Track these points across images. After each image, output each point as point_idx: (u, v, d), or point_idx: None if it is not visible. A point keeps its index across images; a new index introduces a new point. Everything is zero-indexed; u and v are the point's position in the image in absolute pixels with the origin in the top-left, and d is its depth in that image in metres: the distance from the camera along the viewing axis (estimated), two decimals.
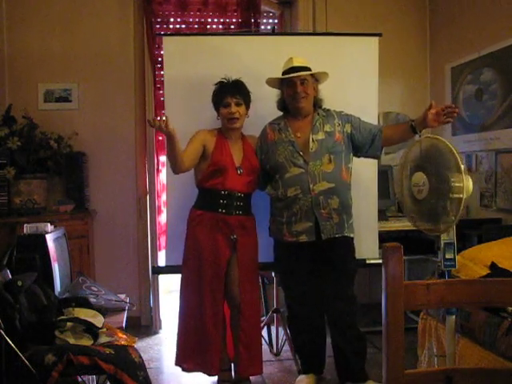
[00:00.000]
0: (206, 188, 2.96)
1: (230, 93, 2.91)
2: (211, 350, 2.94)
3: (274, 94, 3.06)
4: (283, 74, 2.94)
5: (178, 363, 3.04)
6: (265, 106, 3.09)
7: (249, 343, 3.00)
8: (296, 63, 2.90)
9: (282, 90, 3.00)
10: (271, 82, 3.00)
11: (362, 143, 2.98)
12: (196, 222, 2.96)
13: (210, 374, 3.00)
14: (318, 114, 2.98)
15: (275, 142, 2.96)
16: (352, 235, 2.98)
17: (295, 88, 2.88)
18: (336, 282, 2.94)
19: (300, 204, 2.85)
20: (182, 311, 3.03)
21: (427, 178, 2.35)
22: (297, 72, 2.88)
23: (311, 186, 2.84)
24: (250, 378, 3.08)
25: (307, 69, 2.92)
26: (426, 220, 2.38)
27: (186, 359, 3.01)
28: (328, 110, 3.03)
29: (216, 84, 2.98)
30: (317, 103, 3.01)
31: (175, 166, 2.85)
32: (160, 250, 4.36)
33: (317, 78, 2.98)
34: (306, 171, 2.85)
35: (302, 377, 3.10)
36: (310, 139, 2.89)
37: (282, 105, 3.02)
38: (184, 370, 3.04)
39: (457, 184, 2.26)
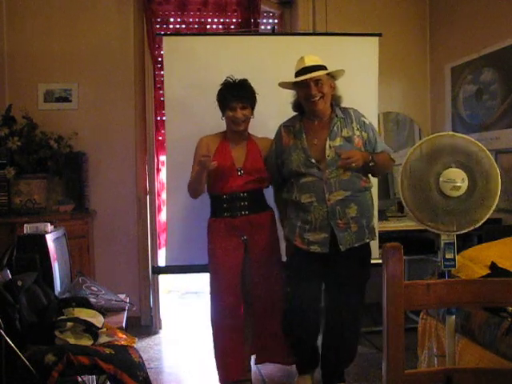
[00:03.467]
0: (211, 194, 2.97)
1: (237, 97, 2.86)
2: (227, 354, 2.90)
3: (274, 93, 3.06)
4: (296, 75, 2.78)
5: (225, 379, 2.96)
6: (265, 106, 3.08)
7: (263, 332, 2.94)
8: (308, 63, 2.73)
9: (296, 91, 2.85)
10: (285, 86, 2.86)
11: None
12: (210, 230, 2.96)
13: (226, 379, 2.95)
14: (337, 115, 2.80)
15: (289, 147, 2.83)
16: (374, 238, 2.87)
17: (309, 90, 2.71)
18: (346, 290, 2.80)
19: (315, 213, 2.71)
20: (211, 320, 2.99)
21: (468, 175, 2.35)
22: (309, 72, 2.70)
23: (327, 195, 2.69)
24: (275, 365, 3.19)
25: (321, 67, 2.74)
26: (445, 218, 2.37)
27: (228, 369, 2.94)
28: (346, 109, 2.86)
29: (221, 84, 2.93)
30: (335, 101, 2.85)
31: (197, 194, 2.93)
32: (160, 248, 4.37)
33: (333, 75, 2.81)
34: (321, 179, 2.70)
35: (299, 378, 3.04)
36: (327, 145, 2.73)
37: (298, 106, 2.87)
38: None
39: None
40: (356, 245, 2.73)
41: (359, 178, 2.77)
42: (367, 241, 2.80)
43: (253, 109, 2.93)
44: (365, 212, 2.77)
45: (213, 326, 2.96)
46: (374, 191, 3.46)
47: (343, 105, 2.91)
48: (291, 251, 2.89)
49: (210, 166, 2.70)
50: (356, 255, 2.76)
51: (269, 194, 3.06)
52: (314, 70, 2.71)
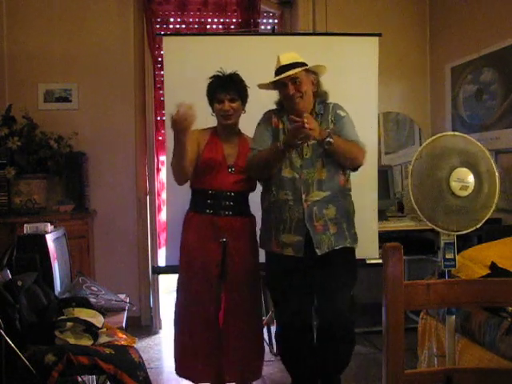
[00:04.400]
0: (195, 188, 2.80)
1: (224, 88, 2.72)
2: (197, 356, 2.70)
3: (274, 93, 3.05)
4: (274, 75, 2.66)
5: (178, 371, 2.82)
6: (265, 107, 3.08)
7: (234, 348, 2.69)
8: (284, 61, 2.59)
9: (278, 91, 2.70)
10: (264, 87, 2.73)
11: None
12: (187, 225, 2.79)
13: (194, 382, 2.79)
14: (316, 112, 2.64)
15: (279, 130, 2.63)
16: (355, 246, 2.61)
17: (287, 90, 2.57)
18: (330, 297, 2.52)
19: (290, 213, 2.52)
20: (175, 316, 2.83)
21: (475, 175, 2.36)
22: (286, 71, 2.56)
23: (304, 195, 2.51)
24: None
25: (297, 65, 2.57)
26: (452, 217, 2.38)
27: (182, 366, 2.79)
28: (327, 104, 2.68)
29: (211, 78, 2.81)
30: (320, 98, 2.68)
31: (182, 174, 2.69)
32: (160, 248, 4.37)
33: (314, 71, 2.65)
34: (299, 177, 2.53)
35: None
36: (305, 144, 2.53)
37: (281, 105, 2.72)
38: (181, 376, 2.84)
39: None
40: (336, 247, 2.51)
41: (338, 177, 2.58)
42: (348, 245, 2.56)
43: (243, 103, 2.79)
44: (345, 216, 2.58)
45: (178, 325, 2.78)
46: (374, 191, 3.47)
47: (343, 103, 2.75)
48: (268, 259, 2.68)
49: (188, 119, 2.43)
50: (338, 259, 2.53)
51: (253, 199, 2.88)
52: (291, 69, 2.55)
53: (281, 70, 2.58)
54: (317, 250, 2.50)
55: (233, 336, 2.69)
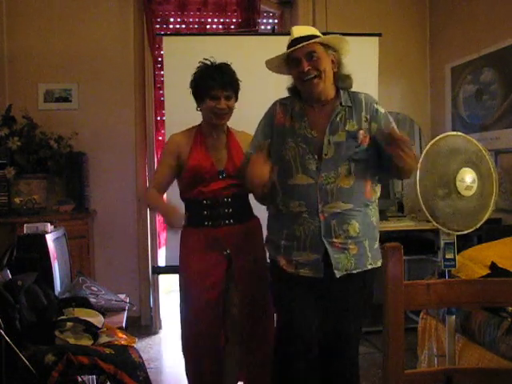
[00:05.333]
0: (187, 199, 2.49)
1: (221, 85, 2.38)
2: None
3: (274, 94, 3.04)
4: (287, 47, 2.16)
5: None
6: (266, 107, 3.08)
7: (251, 362, 2.47)
8: (297, 33, 2.10)
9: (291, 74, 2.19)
10: (274, 67, 2.23)
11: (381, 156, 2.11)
12: (185, 243, 2.48)
13: None
14: (342, 103, 2.11)
15: (285, 129, 2.14)
16: (378, 263, 2.13)
17: (300, 66, 2.05)
18: (342, 324, 2.14)
19: (305, 226, 2.06)
20: (183, 349, 2.53)
21: (477, 176, 2.36)
22: (299, 44, 2.06)
23: (320, 205, 2.04)
24: None
25: (315, 38, 2.07)
26: (456, 217, 2.38)
27: None
28: (355, 94, 2.17)
29: (197, 67, 2.47)
30: (341, 83, 2.16)
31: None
32: (160, 247, 4.37)
33: (334, 48, 2.13)
34: (315, 183, 2.05)
35: None
36: (325, 141, 2.06)
37: (295, 91, 2.21)
38: None
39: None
40: (354, 271, 2.08)
41: (365, 187, 2.11)
42: (369, 267, 2.11)
43: (237, 99, 2.48)
44: (368, 231, 2.12)
45: (185, 355, 2.51)
46: None
47: None
48: (276, 275, 2.22)
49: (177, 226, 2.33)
50: (355, 283, 2.11)
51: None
52: (305, 41, 2.06)
53: (294, 43, 2.09)
54: (335, 272, 2.05)
55: (248, 363, 2.48)
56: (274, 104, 2.24)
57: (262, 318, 2.47)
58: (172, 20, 4.43)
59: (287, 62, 2.14)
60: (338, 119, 2.09)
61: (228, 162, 2.44)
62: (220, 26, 4.44)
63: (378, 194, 2.21)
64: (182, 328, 2.50)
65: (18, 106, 4.00)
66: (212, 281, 2.40)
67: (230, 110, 2.45)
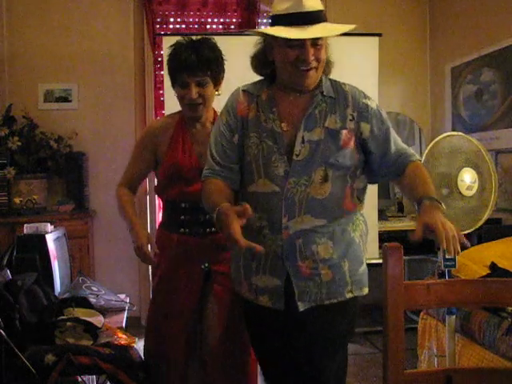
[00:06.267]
0: (164, 200, 2.14)
1: (189, 68, 1.91)
2: None
3: None
4: (283, 19, 1.68)
5: None
6: None
7: None
8: (310, 6, 1.65)
9: (268, 44, 1.71)
10: (258, 33, 1.83)
11: (375, 164, 1.73)
12: (158, 248, 2.12)
13: None
14: (323, 93, 1.68)
15: (248, 121, 1.70)
16: (364, 291, 1.71)
17: (305, 54, 1.59)
18: (318, 359, 1.67)
19: (265, 245, 1.59)
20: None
21: (477, 176, 2.37)
22: (310, 23, 1.62)
23: (284, 220, 1.61)
24: None
25: (322, 17, 1.68)
26: (457, 216, 2.39)
27: None
28: (340, 86, 1.73)
29: (172, 45, 2.01)
30: (324, 69, 1.72)
31: None
32: None
33: None
34: (280, 191, 1.62)
35: None
36: (299, 137, 1.64)
37: (264, 66, 1.74)
38: None
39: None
40: (326, 302, 1.62)
41: (342, 198, 1.66)
42: (348, 296, 1.65)
43: (217, 83, 2.00)
44: (349, 252, 1.66)
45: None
46: (374, 191, 3.46)
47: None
48: (243, 308, 1.82)
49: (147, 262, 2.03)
50: (328, 318, 1.65)
51: None
52: (316, 21, 1.64)
53: (299, 19, 1.62)
54: (298, 304, 1.62)
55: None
56: (236, 92, 1.77)
57: (242, 348, 1.99)
58: (172, 20, 4.43)
59: (274, 39, 1.65)
60: (316, 112, 1.66)
61: None
62: (220, 26, 4.44)
63: (363, 203, 1.76)
64: (145, 339, 2.11)
65: (18, 106, 4.01)
66: (185, 299, 1.99)
67: (206, 99, 1.96)
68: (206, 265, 2.01)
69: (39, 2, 4.24)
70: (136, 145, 2.20)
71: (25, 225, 2.70)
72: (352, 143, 1.68)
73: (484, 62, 4.01)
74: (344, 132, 1.67)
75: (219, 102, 1.95)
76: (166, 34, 3.75)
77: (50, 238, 2.62)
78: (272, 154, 1.65)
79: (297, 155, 1.64)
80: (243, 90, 1.77)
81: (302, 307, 1.63)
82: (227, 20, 4.44)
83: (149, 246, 2.04)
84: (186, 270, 2.01)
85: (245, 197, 1.69)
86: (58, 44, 4.25)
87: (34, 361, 1.82)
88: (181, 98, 1.99)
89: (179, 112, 2.09)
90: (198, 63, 1.91)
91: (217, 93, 2.03)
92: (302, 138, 1.64)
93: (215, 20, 4.44)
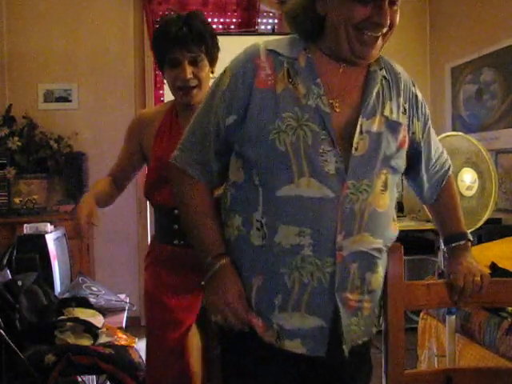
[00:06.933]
0: (153, 205, 1.83)
1: (181, 43, 1.62)
2: None
3: None
4: None
5: None
6: None
7: None
8: None
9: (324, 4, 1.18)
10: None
11: (422, 177, 1.40)
12: (150, 260, 1.84)
13: None
14: (382, 69, 1.27)
15: (276, 95, 1.18)
16: (378, 326, 1.35)
17: (381, 14, 1.14)
18: None
19: (304, 272, 1.18)
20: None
21: (477, 176, 2.37)
22: None
23: (339, 237, 1.17)
24: None
25: None
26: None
27: None
28: (391, 63, 1.32)
29: (157, 22, 1.83)
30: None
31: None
32: None
33: None
34: (336, 197, 1.16)
35: None
36: (358, 127, 1.19)
37: (308, 22, 1.21)
38: None
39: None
40: (360, 341, 1.28)
41: (393, 215, 1.30)
42: (374, 331, 1.33)
43: (212, 62, 1.73)
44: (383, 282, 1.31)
45: None
46: None
47: None
48: (235, 341, 1.26)
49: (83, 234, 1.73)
50: (360, 361, 1.34)
51: None
52: None
53: None
54: (344, 347, 1.23)
55: None
56: (254, 50, 1.22)
57: None
58: None
59: None
60: (374, 95, 1.22)
61: None
62: (220, 26, 4.44)
63: None
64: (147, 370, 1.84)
65: (18, 106, 4.01)
66: (181, 321, 1.70)
67: (201, 81, 1.67)
68: (204, 282, 1.54)
69: (39, 2, 4.24)
70: (124, 137, 1.94)
71: (25, 225, 2.70)
72: (407, 144, 1.28)
73: (484, 62, 4.01)
74: (401, 128, 1.26)
75: None
76: None
77: (49, 238, 2.62)
78: (319, 144, 1.15)
79: (355, 148, 1.17)
80: (269, 50, 1.20)
81: (347, 349, 1.23)
82: (227, 20, 4.44)
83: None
84: (182, 287, 1.70)
85: (271, 203, 1.17)
86: (58, 44, 4.25)
87: (33, 361, 1.82)
88: (172, 81, 1.68)
89: (168, 103, 1.85)
90: (190, 36, 1.63)
91: (212, 75, 1.71)
92: (361, 127, 1.19)
93: (215, 20, 4.44)
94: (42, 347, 1.91)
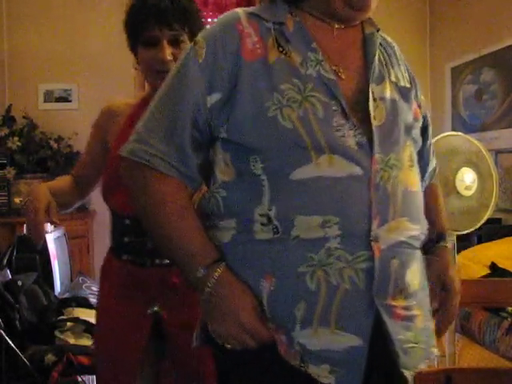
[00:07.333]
0: (110, 209, 1.57)
1: (161, 17, 1.36)
2: None
3: None
4: None
5: None
6: None
7: None
8: None
9: None
10: None
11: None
12: (103, 275, 1.64)
13: None
14: (379, 31, 1.12)
15: (268, 66, 0.95)
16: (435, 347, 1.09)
17: None
18: None
19: (331, 271, 0.90)
20: None
21: (477, 175, 2.37)
22: None
23: (375, 224, 0.92)
24: None
25: None
26: (455, 217, 2.39)
27: None
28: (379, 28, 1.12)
29: None
30: None
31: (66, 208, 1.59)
32: None
33: None
34: (364, 176, 0.93)
35: None
36: (370, 91, 0.99)
37: None
38: None
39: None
40: (422, 365, 1.01)
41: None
42: (436, 354, 1.06)
43: None
44: (425, 282, 1.05)
45: None
46: None
47: None
48: (242, 362, 0.95)
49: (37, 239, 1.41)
50: None
51: None
52: None
53: None
54: (405, 372, 0.96)
55: None
56: (234, 16, 1.02)
57: None
58: None
59: None
60: (376, 59, 1.04)
61: None
62: None
63: None
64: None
65: (18, 105, 4.00)
66: (126, 353, 1.41)
67: None
68: (155, 309, 1.40)
69: (39, 2, 4.24)
70: (90, 132, 1.64)
71: (25, 225, 2.70)
72: (420, 116, 1.12)
73: (484, 62, 4.01)
74: (413, 95, 1.11)
75: None
76: None
77: (49, 238, 2.62)
78: (331, 116, 0.94)
79: (374, 116, 0.97)
80: (250, 14, 1.01)
81: (410, 375, 0.97)
82: None
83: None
84: (130, 312, 1.42)
85: (280, 193, 0.92)
86: (57, 44, 4.25)
87: (34, 361, 1.82)
88: (147, 63, 1.41)
89: (146, 93, 1.56)
90: (172, 11, 1.36)
91: None
92: (372, 92, 0.99)
93: (215, 20, 4.44)
94: (41, 347, 1.91)
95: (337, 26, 1.02)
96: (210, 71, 0.96)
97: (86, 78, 4.28)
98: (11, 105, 4.00)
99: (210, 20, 4.43)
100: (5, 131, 3.83)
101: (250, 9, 1.03)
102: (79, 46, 4.26)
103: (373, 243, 0.91)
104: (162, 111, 0.98)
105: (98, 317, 1.55)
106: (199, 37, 1.01)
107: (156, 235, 0.99)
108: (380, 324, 0.92)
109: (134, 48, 1.47)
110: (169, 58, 1.36)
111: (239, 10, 1.03)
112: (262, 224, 0.92)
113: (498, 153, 3.84)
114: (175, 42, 1.38)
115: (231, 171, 0.96)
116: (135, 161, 0.96)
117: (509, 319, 2.25)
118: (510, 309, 2.27)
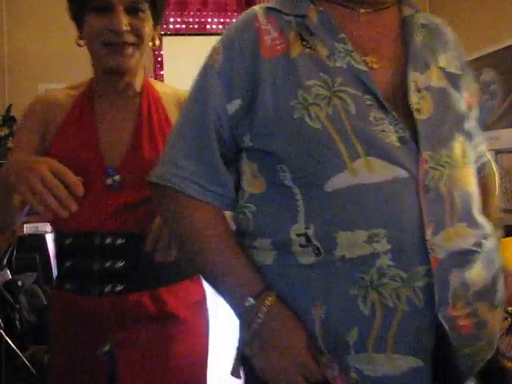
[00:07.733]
0: (54, 230, 1.27)
1: None
2: None
3: None
4: None
5: None
6: None
7: None
8: None
9: None
10: None
11: None
12: (52, 310, 1.28)
13: None
14: (418, 10, 0.99)
15: (291, 61, 0.87)
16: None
17: None
18: None
19: (388, 291, 0.79)
20: None
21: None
22: None
23: (429, 232, 0.80)
24: None
25: None
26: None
27: None
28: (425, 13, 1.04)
29: None
30: None
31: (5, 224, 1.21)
32: None
33: None
34: (411, 178, 0.81)
35: None
36: (410, 83, 0.87)
37: None
38: None
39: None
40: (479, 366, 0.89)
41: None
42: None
43: (157, 19, 1.27)
44: (498, 277, 0.89)
45: None
46: None
47: None
48: None
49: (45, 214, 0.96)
50: None
51: None
52: None
53: None
54: None
55: None
56: (251, 14, 1.03)
57: None
58: (172, 20, 4.42)
59: None
60: (419, 44, 0.93)
61: (132, 151, 1.16)
62: (220, 26, 4.44)
63: None
64: None
65: (18, 106, 4.00)
66: None
67: (142, 38, 1.18)
68: (107, 348, 1.12)
69: (39, 2, 4.24)
70: (17, 127, 1.36)
71: (25, 225, 2.70)
72: (475, 104, 1.01)
73: (484, 62, 4.01)
74: (466, 82, 0.99)
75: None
76: (165, 34, 3.75)
77: (49, 238, 2.62)
78: (366, 112, 0.83)
79: (418, 110, 0.85)
80: (268, 9, 0.97)
81: None
82: (227, 20, 4.44)
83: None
84: (80, 353, 1.16)
85: (316, 208, 0.82)
86: (58, 44, 4.25)
87: (34, 361, 1.82)
88: (96, 34, 1.21)
89: (81, 83, 1.37)
90: None
91: (151, 43, 1.23)
92: (413, 81, 0.88)
93: (215, 20, 4.44)
94: (42, 347, 1.91)
95: (363, 11, 0.91)
96: (228, 77, 0.90)
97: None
98: (11, 105, 4.00)
99: (210, 20, 4.43)
100: (5, 131, 3.83)
101: (269, 4, 0.97)
102: (79, 46, 4.26)
103: (431, 254, 0.79)
104: (186, 128, 0.91)
105: (50, 359, 1.29)
106: (216, 43, 0.99)
107: (198, 266, 0.93)
108: (445, 339, 0.80)
109: (78, 16, 1.23)
110: (125, 28, 1.13)
111: (256, 7, 0.99)
112: (301, 246, 0.82)
113: (497, 153, 3.84)
114: (133, 11, 1.14)
115: (260, 183, 0.87)
116: (165, 186, 0.88)
117: (509, 319, 2.25)
118: (510, 309, 2.27)
